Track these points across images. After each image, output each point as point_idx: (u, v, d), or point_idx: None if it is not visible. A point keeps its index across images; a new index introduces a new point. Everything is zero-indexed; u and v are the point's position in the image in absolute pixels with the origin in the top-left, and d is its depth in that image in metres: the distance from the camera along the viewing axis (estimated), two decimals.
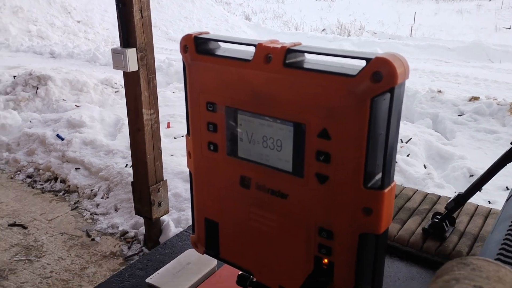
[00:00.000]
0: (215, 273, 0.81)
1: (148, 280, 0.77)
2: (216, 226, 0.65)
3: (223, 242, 0.65)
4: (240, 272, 0.66)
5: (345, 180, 0.50)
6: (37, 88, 4.41)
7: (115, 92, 4.89)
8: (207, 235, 0.67)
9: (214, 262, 0.82)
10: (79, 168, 3.25)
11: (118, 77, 5.09)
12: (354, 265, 0.53)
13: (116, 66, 2.14)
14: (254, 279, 0.64)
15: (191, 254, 0.84)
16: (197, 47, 0.59)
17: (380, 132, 0.49)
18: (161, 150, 2.39)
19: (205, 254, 0.85)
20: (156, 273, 0.78)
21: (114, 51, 2.13)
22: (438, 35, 11.58)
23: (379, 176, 0.50)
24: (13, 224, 2.72)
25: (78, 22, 10.84)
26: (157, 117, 2.33)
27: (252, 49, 0.54)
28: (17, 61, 6.37)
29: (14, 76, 4.77)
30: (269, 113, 0.54)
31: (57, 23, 10.42)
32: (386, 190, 0.50)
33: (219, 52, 0.59)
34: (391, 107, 0.48)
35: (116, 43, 9.08)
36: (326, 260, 0.54)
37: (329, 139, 0.50)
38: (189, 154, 0.66)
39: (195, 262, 0.82)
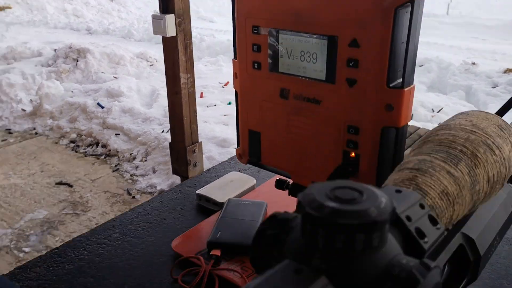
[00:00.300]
0: (254, 189, 0.93)
1: (198, 191, 0.89)
2: (258, 136, 0.76)
3: (264, 149, 0.76)
4: (278, 177, 0.77)
5: (371, 82, 0.60)
6: (77, 61, 4.61)
7: (150, 65, 5.05)
8: (250, 145, 0.78)
9: (253, 180, 0.94)
10: (119, 134, 3.44)
11: (152, 52, 5.25)
12: (376, 156, 0.63)
13: (156, 31, 2.27)
14: (290, 183, 0.75)
15: (233, 174, 0.96)
16: None
17: (402, 40, 0.58)
18: (196, 113, 2.52)
19: (245, 175, 0.96)
20: (204, 187, 0.91)
21: (154, 17, 2.25)
22: (477, 13, 11.24)
23: (400, 79, 0.60)
24: (60, 183, 2.93)
25: (112, 1, 11.07)
26: (193, 81, 2.45)
27: None
28: (56, 37, 6.62)
29: (55, 50, 5.00)
30: (307, 29, 0.64)
31: (92, 2, 10.67)
32: (405, 89, 0.59)
33: None
34: (411, 18, 0.57)
35: (148, 21, 9.26)
36: (353, 154, 0.64)
37: (358, 47, 0.60)
38: (235, 76, 0.76)
39: (237, 180, 0.93)
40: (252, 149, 0.78)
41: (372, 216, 0.23)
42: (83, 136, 3.55)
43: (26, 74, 4.35)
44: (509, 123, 0.42)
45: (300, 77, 0.67)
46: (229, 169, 1.04)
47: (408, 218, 0.29)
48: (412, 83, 0.61)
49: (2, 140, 3.57)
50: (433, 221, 0.30)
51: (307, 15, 0.63)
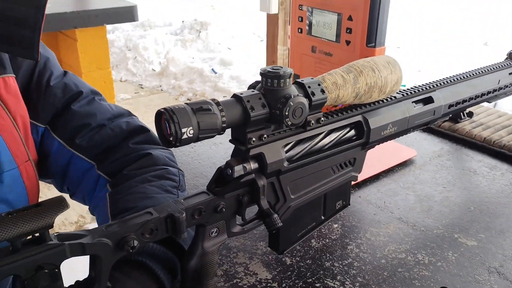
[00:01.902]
0: None
1: None
2: (298, 77, 1.19)
3: None
4: None
5: (358, 43, 1.00)
6: (200, 32, 5.33)
7: (261, 41, 5.60)
8: None
9: None
10: (226, 97, 4.04)
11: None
12: None
13: (262, 8, 2.74)
14: None
15: None
16: None
17: (375, 17, 0.97)
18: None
19: None
20: None
21: None
22: None
23: (373, 43, 0.98)
24: None
25: None
26: (288, 52, 2.89)
27: None
28: (183, 10, 7.50)
29: (183, 21, 5.79)
30: (328, 8, 1.05)
31: None
32: (377, 48, 0.98)
33: None
34: (380, 2, 0.95)
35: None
36: None
37: (352, 21, 1.00)
38: (288, 37, 1.20)
39: None
40: None
41: None
42: (197, 96, 4.22)
43: (158, 40, 5.17)
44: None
45: (322, 39, 1.08)
46: None
47: (309, 87, 0.71)
48: (383, 45, 0.99)
49: (135, 93, 4.40)
50: (323, 92, 0.72)
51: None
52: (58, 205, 0.51)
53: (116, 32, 5.34)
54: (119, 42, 5.15)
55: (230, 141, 0.69)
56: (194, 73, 4.49)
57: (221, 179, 0.70)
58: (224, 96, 4.03)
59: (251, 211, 0.69)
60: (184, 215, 0.62)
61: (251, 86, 0.73)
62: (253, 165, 0.69)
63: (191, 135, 0.61)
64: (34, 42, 0.76)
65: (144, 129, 0.89)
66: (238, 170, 0.68)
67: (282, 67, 0.69)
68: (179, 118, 0.59)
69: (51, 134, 0.83)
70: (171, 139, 0.60)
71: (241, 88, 4.07)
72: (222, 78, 4.24)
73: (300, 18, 1.13)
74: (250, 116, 0.65)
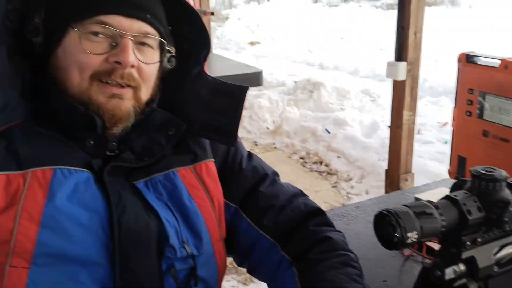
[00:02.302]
0: None
1: (416, 195, 1.32)
2: (464, 160, 1.15)
3: (467, 170, 1.15)
4: None
5: None
6: (312, 92, 5.46)
7: (372, 100, 5.57)
8: (458, 166, 1.18)
9: None
10: (340, 157, 4.03)
11: (375, 88, 5.76)
12: None
13: (389, 75, 2.75)
14: None
15: (442, 189, 1.35)
16: (467, 59, 1.12)
17: None
18: (413, 146, 2.89)
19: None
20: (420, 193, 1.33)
21: (389, 64, 2.74)
22: None
23: None
24: None
25: (342, 38, 12.12)
26: (414, 118, 2.84)
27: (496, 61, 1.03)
28: (295, 70, 7.79)
29: (295, 81, 6.00)
30: (505, 95, 1.02)
31: (326, 40, 11.91)
32: None
33: (479, 62, 1.10)
34: None
35: (372, 60, 9.85)
36: None
37: None
38: (453, 119, 1.18)
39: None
40: (459, 169, 1.18)
41: None
42: (310, 155, 4.27)
43: (272, 99, 5.39)
44: None
45: (497, 124, 1.05)
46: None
47: None
48: None
49: (250, 149, 4.57)
50: None
51: (507, 87, 1.02)
52: None
53: None
54: None
55: (440, 242, 0.68)
56: (307, 132, 4.57)
57: (428, 280, 0.69)
58: (338, 157, 4.03)
59: None
60: None
61: (457, 186, 0.72)
62: (462, 268, 0.67)
63: (415, 239, 0.61)
64: (234, 131, 0.84)
65: (320, 211, 0.92)
66: (449, 273, 0.66)
67: (495, 169, 0.68)
68: (405, 223, 0.60)
69: (241, 214, 0.89)
70: (395, 241, 0.61)
71: (355, 149, 4.05)
72: (336, 138, 4.26)
73: (469, 101, 1.11)
74: (468, 220, 0.64)
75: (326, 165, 4.04)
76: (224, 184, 0.88)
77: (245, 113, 5.19)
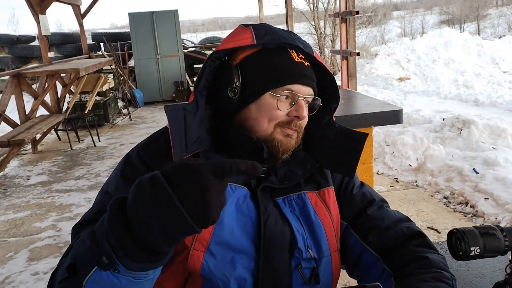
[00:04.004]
0: None
1: None
2: None
3: None
4: None
5: None
6: (461, 130, 5.24)
7: None
8: None
9: None
10: (488, 199, 3.82)
11: None
12: None
13: None
14: None
15: None
16: None
17: None
18: None
19: None
20: None
21: None
22: None
23: None
24: (430, 228, 3.61)
25: (505, 72, 11.13)
26: None
27: None
28: (444, 107, 7.50)
29: (443, 119, 5.81)
30: None
31: (483, 74, 11.10)
32: None
33: None
34: None
35: None
36: None
37: None
38: None
39: None
40: None
41: None
42: (455, 195, 4.12)
43: (416, 136, 5.33)
44: None
45: None
46: None
47: None
48: None
49: (391, 186, 4.60)
50: None
51: None
52: None
53: (376, 128, 5.77)
54: (379, 137, 5.53)
55: (510, 261, 0.81)
56: (453, 171, 4.42)
57: None
58: (486, 199, 3.82)
59: None
60: None
61: None
62: None
63: (477, 253, 0.77)
64: (354, 166, 1.07)
65: (421, 234, 1.07)
66: None
67: None
68: (469, 239, 0.76)
69: (350, 230, 1.10)
70: (460, 253, 0.78)
71: (507, 192, 3.78)
72: (484, 179, 4.03)
73: None
74: None
75: (472, 206, 3.86)
76: (339, 206, 1.11)
77: (387, 149, 5.25)
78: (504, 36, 14.69)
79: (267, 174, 1.03)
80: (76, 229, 0.95)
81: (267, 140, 1.00)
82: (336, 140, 1.08)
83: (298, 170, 1.06)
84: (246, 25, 1.03)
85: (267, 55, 1.00)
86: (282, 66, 0.99)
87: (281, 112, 0.99)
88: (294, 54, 1.01)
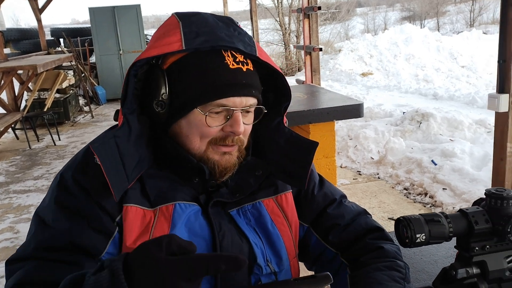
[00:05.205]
0: None
1: None
2: None
3: None
4: None
5: None
6: (420, 123, 5.40)
7: (487, 132, 5.30)
8: None
9: None
10: (446, 189, 3.95)
11: (492, 119, 5.46)
12: None
13: (490, 107, 2.73)
14: None
15: None
16: None
17: None
18: None
19: None
20: None
21: (490, 96, 2.72)
22: None
23: None
24: (391, 218, 3.70)
25: (462, 67, 11.52)
26: None
27: None
28: (405, 101, 7.69)
29: (404, 112, 5.96)
30: None
31: (442, 68, 11.44)
32: None
33: None
34: None
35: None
36: None
37: None
38: None
39: None
40: None
41: None
42: (415, 186, 4.24)
43: (378, 130, 5.45)
44: None
45: None
46: None
47: None
48: None
49: (354, 179, 4.68)
50: None
51: None
52: (327, 278, 0.74)
53: (340, 122, 5.86)
54: (342, 132, 5.62)
55: (455, 247, 0.84)
56: (413, 163, 4.54)
57: (445, 278, 0.84)
58: (444, 189, 3.95)
59: None
60: None
61: (476, 203, 0.87)
62: (475, 270, 0.82)
63: (423, 240, 0.79)
64: (304, 177, 1.01)
65: (379, 229, 1.07)
66: (461, 272, 0.81)
67: (506, 190, 0.82)
68: (415, 226, 0.78)
69: (311, 231, 1.08)
70: (407, 241, 0.79)
71: (463, 182, 3.92)
72: (442, 170, 4.17)
73: None
74: (474, 229, 0.80)
75: (431, 197, 3.99)
76: (299, 208, 1.07)
77: (350, 143, 5.33)
78: (461, 32, 15.20)
79: (217, 186, 0.97)
80: (11, 264, 0.86)
81: (203, 160, 0.93)
82: (286, 147, 1.01)
83: (249, 178, 0.99)
84: (179, 17, 0.91)
85: (198, 60, 0.88)
86: (212, 76, 0.87)
87: (214, 129, 0.90)
88: (229, 59, 0.88)
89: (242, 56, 0.91)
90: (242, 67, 0.90)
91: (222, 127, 0.91)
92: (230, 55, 0.89)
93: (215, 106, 0.88)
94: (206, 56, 0.88)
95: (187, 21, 0.90)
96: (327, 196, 1.09)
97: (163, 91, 0.89)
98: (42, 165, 5.76)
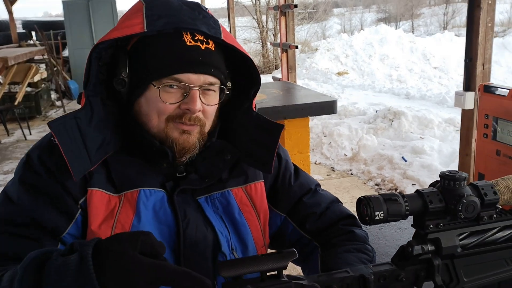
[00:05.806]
0: None
1: None
2: (483, 177, 1.30)
3: None
4: None
5: None
6: (392, 121, 5.52)
7: (456, 130, 5.47)
8: None
9: None
10: (415, 184, 4.06)
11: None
12: None
13: (456, 104, 2.83)
14: None
15: None
16: (484, 89, 1.28)
17: None
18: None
19: None
20: None
21: (457, 93, 2.83)
22: None
23: None
24: None
25: (435, 68, 11.80)
26: (474, 154, 2.86)
27: None
28: (379, 100, 7.84)
29: (376, 111, 6.09)
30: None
31: (415, 69, 11.70)
32: None
33: (493, 91, 1.25)
34: None
35: None
36: None
37: None
38: (474, 140, 1.34)
39: None
40: None
41: None
42: (386, 182, 4.35)
43: (351, 127, 5.55)
44: None
45: (506, 144, 1.20)
46: None
47: (483, 189, 0.86)
48: None
49: (327, 175, 4.76)
50: (495, 193, 0.86)
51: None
52: (292, 254, 0.78)
53: (315, 120, 5.95)
54: (317, 129, 5.70)
55: (412, 225, 0.89)
56: (384, 160, 4.65)
57: (403, 255, 0.89)
58: (413, 184, 4.06)
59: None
60: (372, 277, 0.83)
61: (432, 185, 0.93)
62: (430, 247, 0.87)
63: (381, 218, 0.83)
64: (269, 161, 1.02)
65: (351, 216, 1.11)
66: (417, 249, 0.86)
67: (458, 172, 0.87)
68: (374, 204, 0.83)
69: (288, 220, 1.10)
70: (366, 219, 0.84)
71: (431, 177, 4.05)
72: (412, 166, 4.29)
73: (485, 125, 1.27)
74: (429, 207, 0.85)
75: (400, 192, 4.09)
76: (276, 198, 1.09)
77: (324, 140, 5.41)
78: (434, 34, 15.56)
79: (186, 172, 0.96)
80: None
81: (163, 140, 0.92)
82: (254, 131, 1.02)
83: (218, 162, 0.99)
84: (144, 0, 0.91)
85: (156, 40, 0.89)
86: (168, 52, 0.88)
87: (169, 106, 0.89)
88: (187, 37, 0.88)
89: (203, 37, 0.90)
90: (201, 45, 0.89)
91: (180, 105, 0.90)
92: (189, 34, 0.89)
93: (169, 80, 0.88)
94: (164, 36, 0.89)
95: (151, 4, 0.90)
96: (303, 186, 1.11)
97: (122, 69, 0.90)
98: (12, 160, 5.64)
